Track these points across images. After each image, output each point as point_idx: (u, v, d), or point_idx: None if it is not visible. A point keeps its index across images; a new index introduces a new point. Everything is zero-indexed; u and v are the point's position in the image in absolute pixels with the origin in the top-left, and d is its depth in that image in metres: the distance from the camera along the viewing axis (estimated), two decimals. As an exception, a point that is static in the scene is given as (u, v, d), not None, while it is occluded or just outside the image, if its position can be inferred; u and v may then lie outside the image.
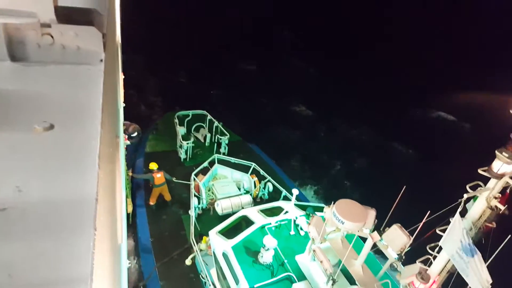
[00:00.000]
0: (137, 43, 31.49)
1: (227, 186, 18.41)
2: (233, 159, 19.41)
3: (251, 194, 18.16)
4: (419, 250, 8.61)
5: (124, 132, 18.50)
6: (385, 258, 10.33)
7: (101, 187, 2.57)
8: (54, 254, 2.01)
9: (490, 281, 6.76)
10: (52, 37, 3.46)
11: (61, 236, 2.10)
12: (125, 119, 14.23)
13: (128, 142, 18.01)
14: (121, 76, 10.22)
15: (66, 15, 3.53)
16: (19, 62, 3.47)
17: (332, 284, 9.49)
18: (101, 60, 3.72)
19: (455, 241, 7.24)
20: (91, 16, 3.86)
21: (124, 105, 11.89)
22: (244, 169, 19.22)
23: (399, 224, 9.41)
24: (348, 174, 26.78)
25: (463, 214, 7.57)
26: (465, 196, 7.11)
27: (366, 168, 27.50)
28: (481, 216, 7.36)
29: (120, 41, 8.20)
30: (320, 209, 13.90)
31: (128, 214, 16.73)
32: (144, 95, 32.41)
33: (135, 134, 18.80)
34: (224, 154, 21.02)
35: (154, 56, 37.11)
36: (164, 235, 16.57)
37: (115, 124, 5.74)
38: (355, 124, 32.49)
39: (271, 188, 18.38)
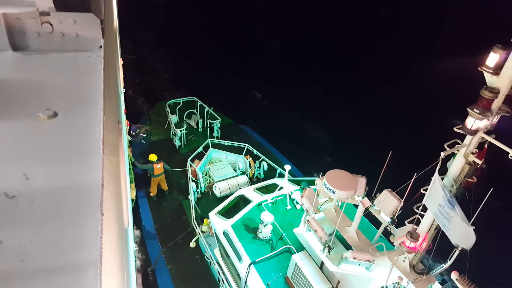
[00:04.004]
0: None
1: (223, 168, 18.69)
2: (226, 142, 19.61)
3: (247, 175, 18.44)
4: (412, 212, 8.91)
5: (136, 134, 18.79)
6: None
7: (106, 172, 2.62)
8: (64, 239, 2.07)
9: (472, 227, 7.01)
10: (51, 25, 3.48)
11: (69, 222, 2.16)
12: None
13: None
14: (120, 61, 10.18)
15: (64, 2, 3.54)
16: (20, 51, 3.50)
17: (329, 251, 9.86)
18: (101, 47, 3.73)
19: (436, 198, 7.63)
20: (88, 2, 3.85)
21: (125, 90, 11.88)
22: (238, 150, 19.46)
23: (390, 189, 9.69)
24: (338, 145, 27.01)
25: (444, 172, 7.96)
26: (442, 154, 7.39)
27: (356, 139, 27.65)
28: (461, 172, 7.68)
29: (118, 27, 8.16)
30: (314, 183, 14.18)
31: (132, 200, 16.94)
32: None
33: (145, 135, 19.06)
34: (217, 138, 21.23)
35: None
36: (166, 221, 16.92)
37: (116, 110, 5.76)
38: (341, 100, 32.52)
39: (266, 167, 18.62)
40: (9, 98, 3.01)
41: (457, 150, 7.54)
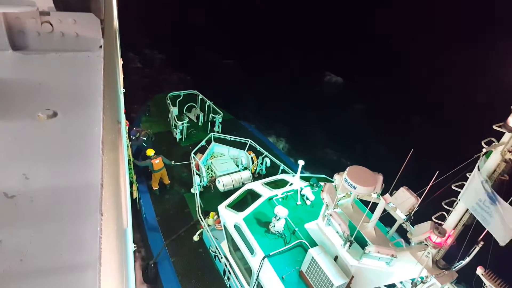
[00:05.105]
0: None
1: (225, 163, 18.66)
2: (229, 137, 19.54)
3: (249, 170, 18.41)
4: (427, 210, 9.05)
5: (136, 138, 18.66)
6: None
7: (106, 172, 2.62)
8: (63, 239, 2.06)
9: None
10: (51, 25, 3.46)
11: (68, 222, 2.16)
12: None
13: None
14: (120, 62, 10.17)
15: (64, 2, 3.52)
16: (20, 51, 3.49)
17: (350, 246, 10.04)
18: (100, 46, 3.72)
19: (475, 193, 7.68)
20: (88, 2, 3.84)
21: (124, 90, 11.87)
22: (240, 146, 19.41)
23: (406, 187, 9.89)
24: (339, 144, 27.17)
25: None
26: (484, 150, 7.54)
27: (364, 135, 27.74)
28: (495, 169, 7.68)
29: (117, 27, 8.15)
30: (323, 180, 14.46)
31: (134, 200, 16.88)
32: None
33: (145, 138, 18.94)
34: (218, 132, 21.11)
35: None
36: (169, 213, 16.91)
37: (116, 110, 5.75)
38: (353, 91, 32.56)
39: (268, 163, 18.57)
40: (9, 98, 3.01)
41: (494, 148, 7.59)
